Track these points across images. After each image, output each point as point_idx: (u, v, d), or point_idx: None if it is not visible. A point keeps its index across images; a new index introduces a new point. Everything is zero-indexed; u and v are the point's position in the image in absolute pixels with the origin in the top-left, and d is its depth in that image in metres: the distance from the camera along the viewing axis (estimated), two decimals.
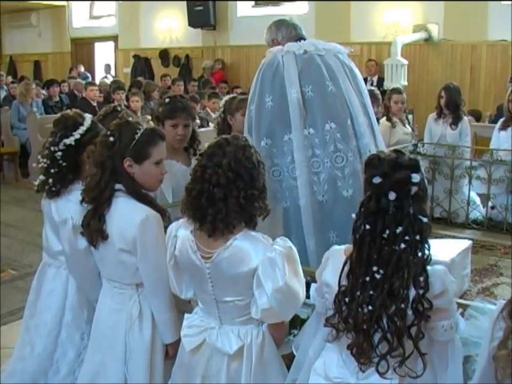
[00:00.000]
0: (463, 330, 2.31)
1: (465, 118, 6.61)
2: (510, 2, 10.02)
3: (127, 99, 9.70)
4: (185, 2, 14.02)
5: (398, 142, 6.17)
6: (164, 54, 15.30)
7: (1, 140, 10.59)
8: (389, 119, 6.38)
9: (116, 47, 16.67)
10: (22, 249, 6.67)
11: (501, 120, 6.52)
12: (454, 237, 5.04)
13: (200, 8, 13.83)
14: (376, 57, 11.83)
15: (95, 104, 10.47)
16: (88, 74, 15.72)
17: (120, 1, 15.83)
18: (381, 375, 2.14)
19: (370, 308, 2.10)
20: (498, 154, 5.91)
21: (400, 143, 6.14)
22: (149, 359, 2.83)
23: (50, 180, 3.17)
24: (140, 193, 2.85)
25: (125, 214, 2.78)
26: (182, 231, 2.56)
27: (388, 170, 2.11)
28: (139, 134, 2.83)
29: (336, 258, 2.29)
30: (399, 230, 2.08)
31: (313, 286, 2.49)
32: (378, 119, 5.96)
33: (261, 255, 2.38)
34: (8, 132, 10.56)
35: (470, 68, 10.99)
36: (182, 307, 2.86)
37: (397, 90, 6.63)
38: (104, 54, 17.49)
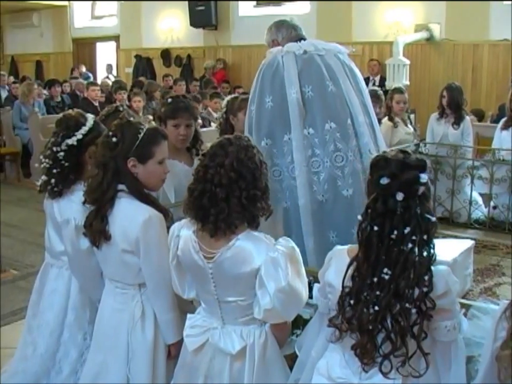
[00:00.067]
0: (466, 330, 2.31)
1: (467, 118, 6.61)
2: (511, 2, 10.01)
3: (129, 99, 9.71)
4: (186, 2, 14.03)
5: (400, 142, 6.17)
6: (165, 54, 15.31)
7: (3, 140, 10.59)
8: (390, 119, 6.38)
9: (118, 47, 16.68)
10: (24, 249, 6.67)
11: (503, 119, 6.52)
12: (456, 237, 5.03)
13: (202, 8, 13.84)
14: (378, 57, 11.82)
15: (96, 104, 10.48)
16: (90, 74, 15.75)
17: (122, 1, 15.83)
18: (384, 375, 2.14)
19: (376, 308, 2.09)
20: (500, 154, 5.91)
21: (402, 143, 6.13)
22: (151, 359, 2.83)
23: (53, 180, 3.17)
24: (142, 194, 2.85)
25: (128, 214, 2.78)
26: (185, 231, 2.56)
27: (396, 170, 2.10)
28: (142, 134, 2.83)
29: (339, 258, 2.29)
30: (407, 230, 2.08)
31: (316, 286, 2.49)
32: (380, 119, 5.98)
33: (263, 255, 2.38)
34: (10, 132, 10.57)
35: (471, 68, 10.99)
36: (184, 307, 2.86)
37: (398, 90, 6.62)
38: (105, 54, 17.51)
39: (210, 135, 5.12)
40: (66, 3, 17.14)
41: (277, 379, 2.55)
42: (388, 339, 2.10)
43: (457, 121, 6.43)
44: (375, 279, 2.10)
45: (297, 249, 2.45)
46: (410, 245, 2.08)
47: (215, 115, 8.92)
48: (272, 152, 3.44)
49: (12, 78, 14.04)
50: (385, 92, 6.91)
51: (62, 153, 3.16)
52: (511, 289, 4.39)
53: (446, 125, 6.49)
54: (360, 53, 11.82)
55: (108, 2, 16.42)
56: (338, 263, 2.27)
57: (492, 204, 6.03)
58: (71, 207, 3.10)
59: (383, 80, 11.05)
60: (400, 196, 2.07)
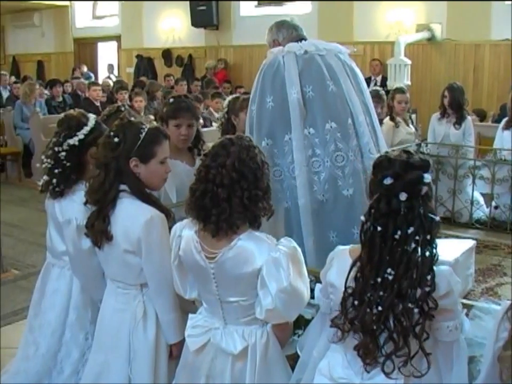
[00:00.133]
0: (468, 330, 2.31)
1: (469, 118, 6.61)
2: None
3: (130, 99, 9.71)
4: (188, 2, 14.03)
5: (401, 142, 6.17)
6: (166, 54, 15.32)
7: (4, 140, 10.61)
8: (392, 119, 6.37)
9: (119, 47, 16.68)
10: (25, 249, 6.67)
11: (505, 119, 6.53)
12: (457, 237, 5.02)
13: (203, 8, 13.84)
14: (379, 57, 11.82)
15: (98, 104, 10.50)
16: (91, 74, 15.75)
17: (123, 1, 15.83)
18: (387, 375, 2.14)
19: (379, 308, 2.09)
20: (501, 154, 5.91)
21: (403, 142, 6.13)
22: (153, 359, 2.83)
23: (54, 180, 3.17)
24: (144, 194, 2.85)
25: (130, 214, 2.78)
26: (186, 231, 2.56)
27: (400, 171, 2.10)
28: (143, 134, 2.83)
29: (341, 258, 2.29)
30: (410, 230, 2.08)
31: (317, 286, 2.49)
32: (382, 120, 5.97)
33: (265, 255, 2.38)
34: (12, 132, 10.58)
35: (473, 68, 10.98)
36: (186, 307, 2.86)
37: (400, 90, 6.62)
38: (107, 54, 17.52)
39: (211, 135, 5.13)
40: (67, 3, 17.15)
41: (279, 379, 2.55)
42: (390, 339, 2.10)
43: (459, 121, 6.43)
44: (379, 280, 2.10)
45: (299, 250, 2.45)
46: (413, 245, 2.08)
47: (216, 115, 8.92)
48: (272, 152, 3.44)
49: (13, 78, 14.03)
50: (387, 92, 6.90)
51: (63, 153, 3.16)
52: None
53: (448, 125, 6.49)
54: (362, 53, 11.83)
55: (109, 2, 16.42)
56: (340, 263, 2.26)
57: (493, 203, 6.03)
58: (73, 207, 3.10)
59: (384, 80, 11.06)
60: (403, 196, 2.07)
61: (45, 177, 3.22)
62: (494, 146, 6.35)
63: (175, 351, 2.86)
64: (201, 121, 4.05)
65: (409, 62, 10.40)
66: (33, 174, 9.72)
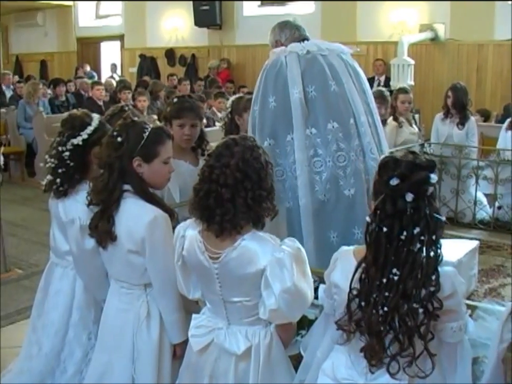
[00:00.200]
0: (472, 331, 2.30)
1: (472, 118, 6.61)
2: None
3: (133, 99, 9.72)
4: (191, 2, 14.03)
5: (404, 142, 6.17)
6: (170, 54, 15.32)
7: (7, 139, 10.60)
8: (395, 119, 6.37)
9: (122, 46, 16.69)
10: (29, 249, 6.68)
11: (508, 120, 6.53)
12: (460, 237, 5.02)
13: (206, 7, 13.85)
14: (383, 57, 11.82)
15: (101, 103, 10.50)
16: (94, 74, 15.74)
17: (126, 1, 15.84)
18: (392, 375, 2.13)
19: (385, 309, 2.09)
20: (505, 154, 5.91)
21: (406, 143, 6.13)
22: (156, 359, 2.83)
23: (58, 180, 3.17)
24: (148, 193, 2.85)
25: (133, 214, 2.78)
26: (190, 232, 2.56)
27: (406, 171, 2.09)
28: (147, 134, 2.83)
29: (345, 259, 2.29)
30: (416, 230, 2.07)
31: (321, 287, 2.49)
32: (386, 120, 5.97)
33: (269, 256, 2.37)
34: (15, 131, 10.59)
35: (476, 68, 10.97)
36: (189, 307, 2.86)
37: (403, 90, 6.61)
38: (110, 54, 17.51)
39: (214, 134, 5.13)
40: (70, 3, 17.17)
41: (282, 380, 2.54)
42: (396, 340, 2.10)
43: (462, 121, 6.43)
44: (384, 280, 2.10)
45: (303, 250, 2.45)
46: (418, 245, 2.08)
47: (219, 115, 8.93)
48: (275, 152, 3.44)
49: (16, 77, 14.06)
50: (390, 92, 6.90)
51: (67, 153, 3.16)
52: None
53: (451, 125, 6.50)
54: (365, 52, 11.83)
55: (112, 2, 16.43)
56: (344, 264, 2.26)
57: (496, 204, 6.04)
58: (76, 207, 3.10)
59: (388, 80, 11.04)
60: (410, 197, 2.07)
61: (49, 177, 3.22)
62: (497, 146, 6.35)
63: (178, 351, 2.86)
64: (204, 121, 4.04)
65: (412, 62, 10.39)
66: (36, 174, 9.73)
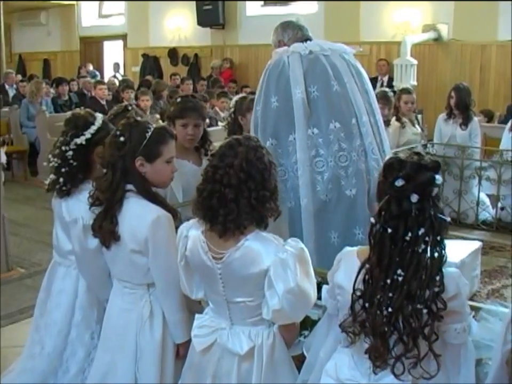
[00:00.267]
0: (476, 333, 2.30)
1: (475, 119, 6.60)
2: None
3: (136, 98, 9.72)
4: (194, 1, 14.04)
5: (407, 142, 6.16)
6: (172, 53, 15.34)
7: (10, 138, 10.60)
8: (398, 119, 6.36)
9: (125, 45, 16.71)
10: (31, 248, 6.68)
11: (511, 120, 6.50)
12: (463, 238, 5.02)
13: (209, 7, 13.85)
14: (386, 57, 11.81)
15: (104, 102, 10.52)
16: (97, 73, 15.76)
17: (129, 0, 15.85)
18: (397, 376, 2.13)
19: (390, 310, 2.09)
20: (508, 155, 5.90)
21: (409, 143, 6.13)
22: (159, 359, 2.83)
23: (61, 179, 3.17)
24: (150, 193, 2.85)
25: (136, 214, 2.78)
26: (193, 232, 2.55)
27: (411, 172, 2.09)
28: (149, 133, 2.83)
29: (348, 260, 2.29)
30: (421, 231, 2.07)
31: (324, 287, 2.48)
32: (389, 121, 5.96)
33: (272, 256, 2.37)
34: (18, 130, 10.59)
35: (479, 68, 10.96)
36: (192, 307, 2.86)
37: (406, 91, 6.61)
38: (113, 53, 17.55)
39: (217, 134, 5.13)
40: (74, 2, 17.19)
41: (285, 380, 2.54)
42: (400, 341, 2.09)
43: (465, 121, 6.43)
44: (388, 281, 2.09)
45: (306, 250, 2.44)
46: (423, 246, 2.08)
47: (222, 114, 8.94)
48: (277, 152, 3.44)
49: (19, 77, 14.05)
50: (394, 92, 6.90)
51: (70, 152, 3.16)
52: None
53: (454, 125, 6.49)
54: (368, 52, 11.82)
55: (116, 1, 16.44)
56: (348, 265, 2.26)
57: (499, 205, 6.03)
58: (79, 207, 3.09)
59: (391, 80, 11.04)
60: (415, 198, 2.06)
61: (52, 176, 3.22)
62: (500, 147, 6.34)
63: (182, 351, 2.86)
64: (207, 121, 4.04)
65: (415, 62, 10.39)
66: (39, 173, 9.74)
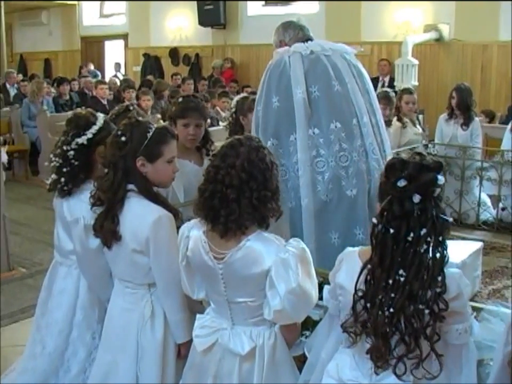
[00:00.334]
0: (477, 333, 2.30)
1: (477, 119, 6.59)
2: None
3: (137, 98, 9.72)
4: (195, 1, 14.04)
5: (408, 143, 6.16)
6: (173, 53, 15.33)
7: (11, 137, 10.61)
8: (399, 120, 6.35)
9: (126, 45, 16.71)
10: (32, 247, 6.69)
11: None
12: (464, 238, 5.00)
13: (210, 7, 13.85)
14: (387, 57, 11.79)
15: (105, 102, 10.53)
16: (98, 73, 15.76)
17: (131, 0, 15.85)
18: (399, 377, 2.13)
19: (391, 310, 2.09)
20: (509, 156, 5.89)
21: (410, 143, 6.12)
22: (161, 358, 2.84)
23: (62, 179, 3.18)
24: (152, 193, 2.85)
25: (138, 214, 2.78)
26: (195, 232, 2.55)
27: (414, 173, 2.09)
28: (151, 133, 2.83)
29: (350, 260, 2.29)
30: (423, 232, 2.07)
31: (326, 287, 2.48)
32: (390, 121, 5.96)
33: (273, 256, 2.37)
34: (19, 130, 10.60)
35: (480, 68, 10.95)
36: (193, 307, 2.86)
37: (407, 91, 6.60)
38: (114, 52, 17.54)
39: (218, 134, 5.13)
40: (75, 2, 17.19)
41: (286, 380, 2.54)
42: (402, 341, 2.09)
43: (466, 122, 6.42)
44: (390, 281, 2.09)
45: (308, 250, 2.44)
46: (425, 246, 2.07)
47: (223, 114, 8.94)
48: (278, 152, 3.44)
49: (20, 76, 14.05)
50: (395, 93, 6.89)
51: (72, 152, 3.16)
52: None
53: (455, 125, 6.49)
54: (369, 53, 11.83)
55: (117, 1, 16.44)
56: (350, 265, 2.26)
57: (500, 205, 6.02)
58: (81, 206, 3.10)
59: (392, 80, 11.02)
60: (417, 198, 2.06)
61: (53, 176, 3.22)
62: (501, 147, 6.33)
63: (183, 351, 2.86)
64: (208, 120, 4.04)
65: (416, 62, 10.38)
66: (40, 172, 9.75)
